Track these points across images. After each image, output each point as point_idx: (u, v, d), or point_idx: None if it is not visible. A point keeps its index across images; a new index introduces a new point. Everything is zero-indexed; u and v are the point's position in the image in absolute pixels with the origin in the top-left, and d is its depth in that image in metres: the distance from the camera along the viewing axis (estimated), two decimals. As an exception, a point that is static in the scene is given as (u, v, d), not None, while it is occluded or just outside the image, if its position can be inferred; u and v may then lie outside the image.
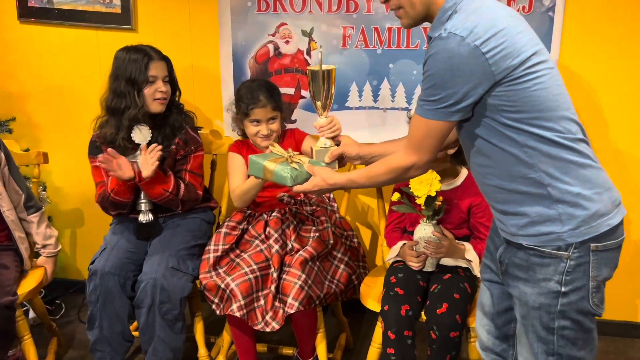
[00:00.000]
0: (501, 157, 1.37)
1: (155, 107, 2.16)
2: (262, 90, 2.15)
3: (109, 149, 2.07)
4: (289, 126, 2.47)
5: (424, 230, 1.95)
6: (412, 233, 2.08)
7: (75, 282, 2.95)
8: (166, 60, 2.20)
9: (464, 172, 2.07)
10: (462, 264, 1.98)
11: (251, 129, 2.17)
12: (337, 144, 1.82)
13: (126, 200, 2.16)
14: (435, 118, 1.36)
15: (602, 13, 2.24)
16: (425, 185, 1.87)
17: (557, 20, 2.29)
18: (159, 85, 2.14)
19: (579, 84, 2.31)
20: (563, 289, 1.35)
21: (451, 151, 1.89)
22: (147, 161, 2.07)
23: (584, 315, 1.37)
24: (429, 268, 2.00)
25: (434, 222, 1.96)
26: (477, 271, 1.94)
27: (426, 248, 1.94)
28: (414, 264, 1.96)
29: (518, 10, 2.31)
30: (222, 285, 2.00)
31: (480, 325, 1.64)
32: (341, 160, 1.76)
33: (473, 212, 2.02)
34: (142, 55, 2.12)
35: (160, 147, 2.10)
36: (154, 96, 2.14)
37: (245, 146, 2.28)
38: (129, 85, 2.12)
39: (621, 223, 1.40)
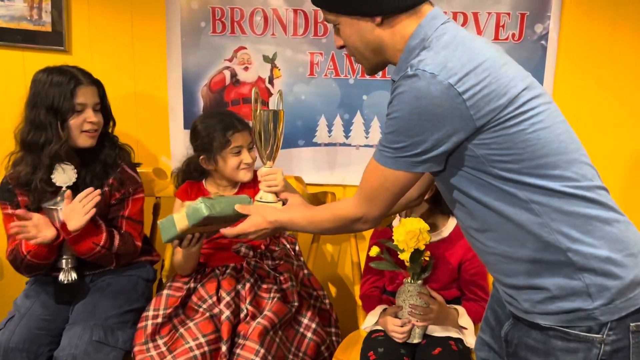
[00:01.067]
0: (501, 220, 1.13)
1: (84, 141, 1.82)
2: (232, 116, 1.89)
3: (18, 211, 1.72)
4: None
5: (409, 292, 1.66)
6: (392, 294, 1.79)
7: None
8: (97, 84, 1.87)
9: (452, 220, 1.80)
10: (454, 333, 1.68)
11: (232, 161, 1.84)
12: (283, 203, 1.57)
13: (46, 263, 1.80)
14: (394, 167, 1.16)
15: (600, 41, 2.06)
16: (412, 238, 1.58)
17: (550, 49, 2.10)
18: (88, 114, 1.81)
19: (575, 121, 2.09)
20: None
21: (427, 195, 1.62)
22: (78, 210, 1.72)
23: None
24: (415, 339, 1.69)
25: (419, 281, 1.67)
26: (471, 341, 1.65)
27: (411, 314, 1.64)
28: (398, 335, 1.65)
29: (507, 39, 2.10)
30: None
31: None
32: None
33: (465, 268, 1.75)
34: (68, 78, 1.78)
35: (98, 191, 1.75)
36: (81, 128, 1.80)
37: (195, 189, 1.95)
38: (50, 115, 1.77)
39: None
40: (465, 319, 1.68)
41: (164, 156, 2.35)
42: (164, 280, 2.10)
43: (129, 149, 2.01)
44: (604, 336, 1.09)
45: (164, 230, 1.56)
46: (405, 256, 1.62)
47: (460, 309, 1.70)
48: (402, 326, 1.65)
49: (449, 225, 1.80)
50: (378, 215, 1.24)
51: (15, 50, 2.32)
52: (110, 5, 2.25)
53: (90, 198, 1.73)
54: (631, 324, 1.09)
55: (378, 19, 1.17)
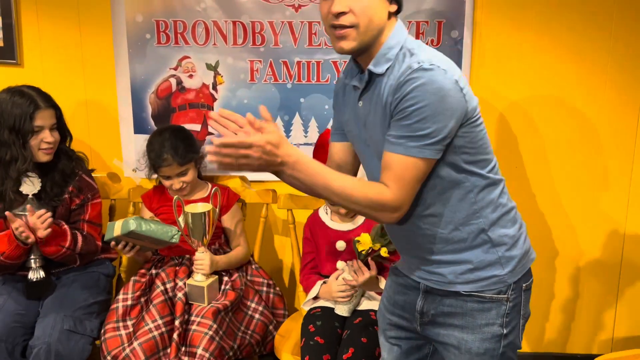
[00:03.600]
0: (452, 204, 1.42)
1: (42, 157, 2.14)
2: (166, 147, 2.20)
3: (7, 213, 2.04)
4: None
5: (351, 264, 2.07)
6: (327, 277, 2.17)
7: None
8: (55, 107, 2.18)
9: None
10: (375, 306, 2.09)
11: (164, 182, 2.27)
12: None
13: (17, 263, 2.13)
14: (423, 156, 1.33)
15: (508, 42, 2.46)
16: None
17: (465, 52, 2.49)
18: (44, 135, 2.12)
19: (490, 117, 2.51)
20: (504, 331, 1.47)
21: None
22: (39, 225, 2.04)
23: (515, 351, 1.52)
24: (345, 313, 2.10)
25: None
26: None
27: (352, 272, 2.03)
28: (343, 294, 2.04)
29: (427, 44, 2.49)
30: (125, 341, 2.02)
31: None
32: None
33: None
34: (28, 102, 2.09)
35: (49, 214, 2.07)
36: (39, 146, 2.12)
37: (158, 194, 2.32)
38: (12, 135, 2.09)
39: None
40: (383, 282, 2.08)
41: (116, 159, 2.67)
42: (122, 275, 2.44)
43: (84, 157, 2.33)
44: (509, 295, 1.46)
45: (107, 231, 2.08)
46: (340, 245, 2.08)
47: (381, 278, 2.10)
48: (344, 285, 2.04)
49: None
50: (408, 207, 1.39)
51: (-33, 64, 2.58)
52: (59, 20, 2.53)
53: (43, 219, 2.05)
54: (523, 284, 1.49)
55: (394, 7, 1.40)
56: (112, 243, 2.11)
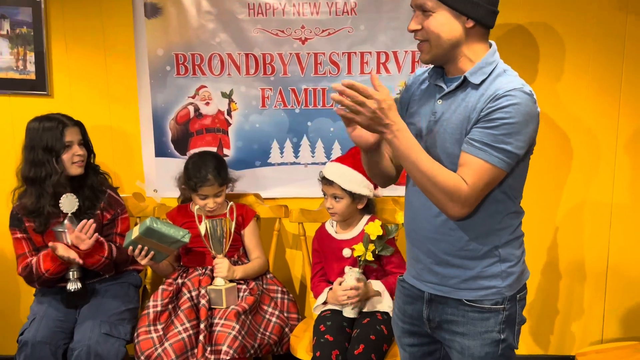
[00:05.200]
0: (483, 217, 1.64)
1: (75, 170, 2.49)
2: (209, 168, 2.55)
3: (50, 244, 2.39)
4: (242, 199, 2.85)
5: (351, 272, 2.40)
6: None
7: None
8: (79, 124, 2.55)
9: (361, 223, 2.51)
10: (380, 308, 2.41)
11: (198, 201, 2.59)
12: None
13: (58, 278, 2.45)
14: (500, 166, 1.55)
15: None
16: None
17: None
18: (75, 149, 2.48)
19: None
20: (502, 336, 1.70)
21: (360, 206, 2.43)
22: (83, 237, 2.38)
23: (512, 351, 1.78)
24: (351, 315, 2.41)
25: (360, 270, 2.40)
26: (387, 299, 2.40)
27: (354, 280, 2.37)
28: (344, 296, 2.33)
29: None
30: (157, 343, 2.33)
31: None
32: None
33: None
34: (56, 123, 2.47)
35: (91, 221, 2.41)
36: (72, 160, 2.47)
37: (182, 212, 2.65)
38: (46, 154, 2.44)
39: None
40: (378, 284, 2.41)
41: (139, 180, 2.99)
42: (147, 287, 2.75)
43: (107, 175, 2.68)
44: (505, 306, 1.69)
45: (126, 237, 2.41)
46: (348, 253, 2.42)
47: (374, 281, 2.43)
48: (345, 290, 2.34)
49: (359, 226, 2.51)
50: (474, 206, 1.60)
51: (3, 96, 2.91)
52: (87, 53, 2.87)
53: (87, 228, 2.39)
54: (518, 295, 1.72)
55: (471, 23, 1.58)
56: (130, 248, 2.41)
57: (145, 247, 2.41)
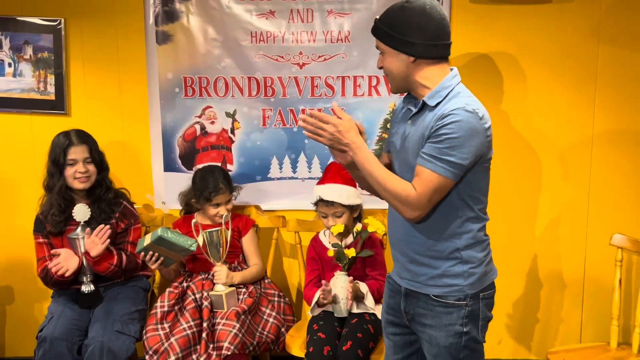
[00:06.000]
0: (443, 221, 1.91)
1: (78, 185, 2.78)
2: (219, 178, 2.87)
3: (52, 251, 2.70)
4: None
5: (337, 278, 2.69)
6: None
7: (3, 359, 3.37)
8: (88, 143, 2.81)
9: (356, 230, 2.78)
10: (369, 309, 2.67)
11: (211, 211, 2.88)
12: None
13: (69, 280, 2.73)
14: (445, 175, 1.82)
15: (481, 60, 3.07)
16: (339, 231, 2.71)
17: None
18: (78, 167, 2.76)
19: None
20: (465, 329, 1.96)
21: (355, 215, 2.70)
22: (96, 242, 2.67)
23: (477, 343, 2.03)
24: (341, 314, 2.68)
25: (345, 272, 2.69)
26: (369, 299, 2.66)
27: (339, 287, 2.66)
28: (326, 298, 2.62)
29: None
30: (164, 339, 2.60)
31: None
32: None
33: (368, 262, 2.77)
34: (65, 140, 2.76)
35: (107, 227, 2.70)
36: (74, 176, 2.76)
37: (187, 222, 2.94)
38: (54, 167, 2.76)
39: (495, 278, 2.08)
40: (363, 286, 2.68)
41: (149, 194, 3.28)
42: (155, 291, 3.03)
43: (126, 191, 2.96)
44: (467, 302, 1.94)
45: (139, 244, 2.70)
46: (331, 253, 2.69)
47: (360, 283, 2.70)
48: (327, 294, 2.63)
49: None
50: (426, 211, 1.88)
51: (24, 115, 3.22)
52: (103, 77, 3.19)
53: (102, 233, 2.68)
54: (481, 294, 1.97)
55: (412, 59, 1.90)
56: (142, 254, 2.70)
57: (156, 254, 2.69)
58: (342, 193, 2.71)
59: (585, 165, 3.11)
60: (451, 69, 1.97)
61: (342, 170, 2.67)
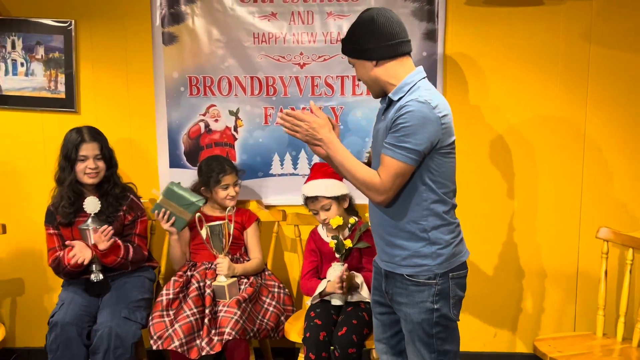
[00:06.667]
0: (408, 204, 2.15)
1: (87, 180, 2.98)
2: (225, 163, 3.12)
3: (66, 242, 2.91)
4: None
5: (335, 268, 2.89)
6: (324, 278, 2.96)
7: (14, 350, 3.57)
8: (100, 140, 3.02)
9: (351, 222, 2.97)
10: (363, 299, 2.87)
11: (221, 193, 3.11)
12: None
13: (81, 270, 2.94)
14: (403, 160, 2.07)
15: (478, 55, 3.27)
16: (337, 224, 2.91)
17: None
18: (88, 163, 2.97)
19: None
20: (435, 306, 2.19)
21: (345, 205, 2.92)
22: (102, 238, 2.87)
23: (449, 321, 2.24)
24: (338, 302, 2.88)
25: (343, 263, 2.89)
26: (365, 289, 2.85)
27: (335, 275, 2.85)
28: (338, 285, 2.80)
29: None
30: (168, 325, 2.80)
31: (378, 350, 2.48)
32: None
33: (363, 253, 2.96)
34: (78, 136, 2.97)
35: (110, 228, 2.90)
36: (84, 171, 2.97)
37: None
38: (66, 161, 2.97)
39: (465, 260, 2.30)
40: (358, 277, 2.86)
41: (154, 189, 3.47)
42: (160, 282, 3.23)
43: (133, 186, 3.17)
44: (437, 281, 2.18)
45: (154, 207, 3.04)
46: (332, 244, 2.87)
47: (357, 274, 2.89)
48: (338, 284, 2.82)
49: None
50: (391, 195, 2.13)
51: (35, 112, 3.43)
52: (111, 76, 3.40)
53: (106, 233, 2.89)
54: (451, 274, 2.20)
55: (374, 62, 2.17)
56: (155, 212, 3.02)
57: (168, 212, 2.97)
58: (322, 186, 2.93)
59: (578, 162, 3.29)
60: (417, 68, 2.23)
61: (324, 167, 2.91)
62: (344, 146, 2.19)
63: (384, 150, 2.12)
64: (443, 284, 2.20)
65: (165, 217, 3.00)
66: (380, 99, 2.30)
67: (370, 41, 2.16)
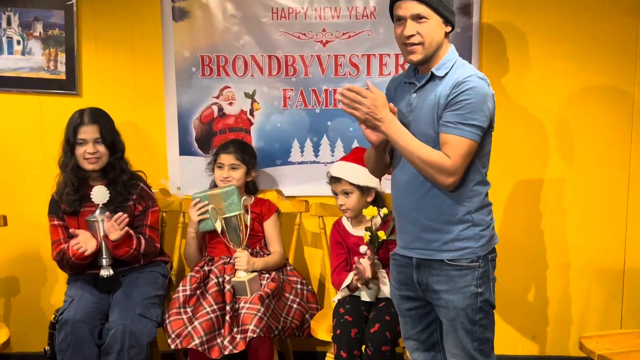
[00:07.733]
0: (460, 185, 2.14)
1: (87, 165, 2.89)
2: (234, 143, 3.04)
3: (70, 230, 2.81)
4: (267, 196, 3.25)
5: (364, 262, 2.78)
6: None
7: (11, 355, 3.44)
8: (100, 123, 2.91)
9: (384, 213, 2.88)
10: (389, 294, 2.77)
11: (216, 172, 3.04)
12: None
13: (86, 263, 2.85)
14: (472, 138, 2.09)
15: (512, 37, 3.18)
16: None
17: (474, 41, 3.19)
18: (87, 147, 2.87)
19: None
20: (479, 290, 2.19)
21: (369, 198, 2.85)
22: (115, 227, 2.78)
23: (490, 306, 2.24)
24: (368, 298, 2.81)
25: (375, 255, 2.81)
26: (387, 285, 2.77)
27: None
28: (367, 269, 2.72)
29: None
30: (187, 323, 2.72)
31: (408, 348, 2.43)
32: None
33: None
34: (77, 118, 2.89)
35: (125, 215, 2.81)
36: (83, 156, 2.88)
37: None
38: (67, 145, 2.89)
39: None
40: (384, 275, 2.80)
41: (163, 179, 3.37)
42: (173, 279, 3.12)
43: (143, 174, 3.08)
44: (480, 263, 2.19)
45: (203, 196, 2.98)
46: (366, 237, 2.76)
47: (383, 271, 2.82)
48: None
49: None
50: (460, 176, 2.12)
51: (32, 95, 3.32)
52: (116, 56, 3.30)
53: (121, 220, 2.80)
54: (489, 256, 2.22)
55: (449, 28, 2.19)
56: (197, 200, 2.96)
57: (209, 207, 2.90)
58: (350, 170, 2.86)
59: (625, 149, 3.20)
60: (450, 44, 2.25)
61: (362, 152, 2.77)
62: (404, 128, 2.15)
63: (447, 129, 2.11)
64: (485, 267, 2.21)
65: (202, 210, 2.92)
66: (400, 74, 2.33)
67: (452, 6, 2.20)
